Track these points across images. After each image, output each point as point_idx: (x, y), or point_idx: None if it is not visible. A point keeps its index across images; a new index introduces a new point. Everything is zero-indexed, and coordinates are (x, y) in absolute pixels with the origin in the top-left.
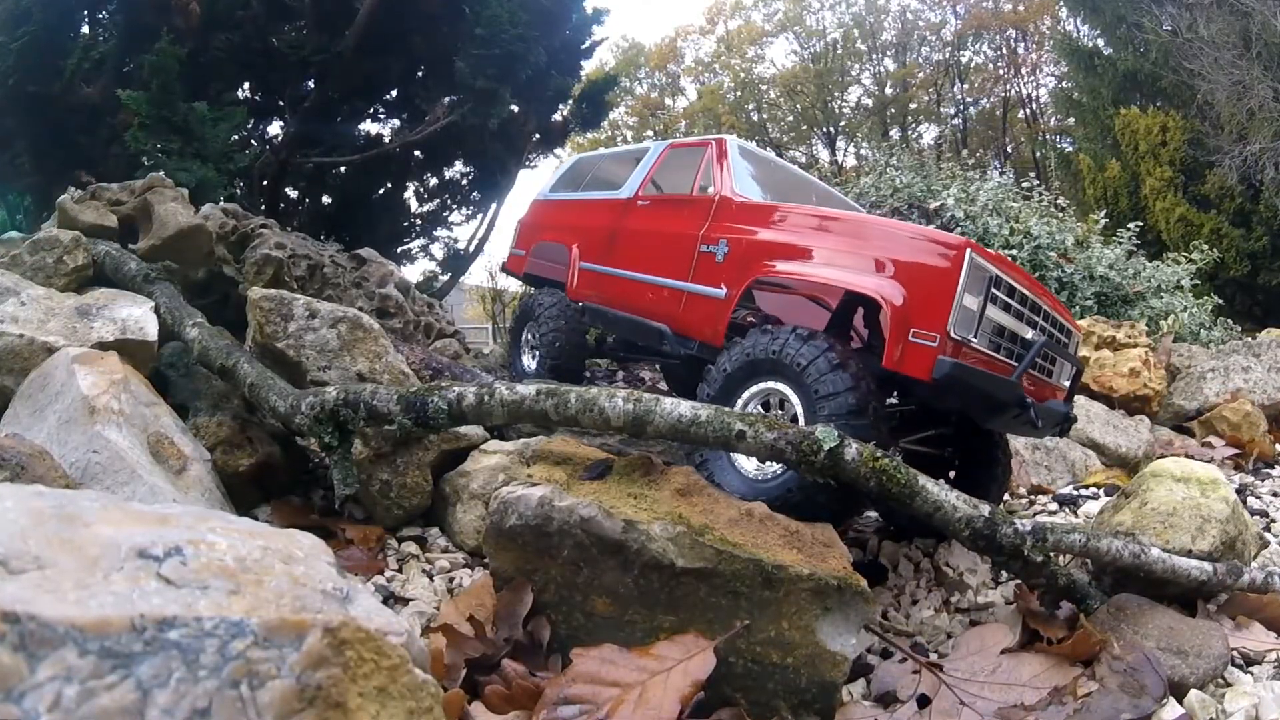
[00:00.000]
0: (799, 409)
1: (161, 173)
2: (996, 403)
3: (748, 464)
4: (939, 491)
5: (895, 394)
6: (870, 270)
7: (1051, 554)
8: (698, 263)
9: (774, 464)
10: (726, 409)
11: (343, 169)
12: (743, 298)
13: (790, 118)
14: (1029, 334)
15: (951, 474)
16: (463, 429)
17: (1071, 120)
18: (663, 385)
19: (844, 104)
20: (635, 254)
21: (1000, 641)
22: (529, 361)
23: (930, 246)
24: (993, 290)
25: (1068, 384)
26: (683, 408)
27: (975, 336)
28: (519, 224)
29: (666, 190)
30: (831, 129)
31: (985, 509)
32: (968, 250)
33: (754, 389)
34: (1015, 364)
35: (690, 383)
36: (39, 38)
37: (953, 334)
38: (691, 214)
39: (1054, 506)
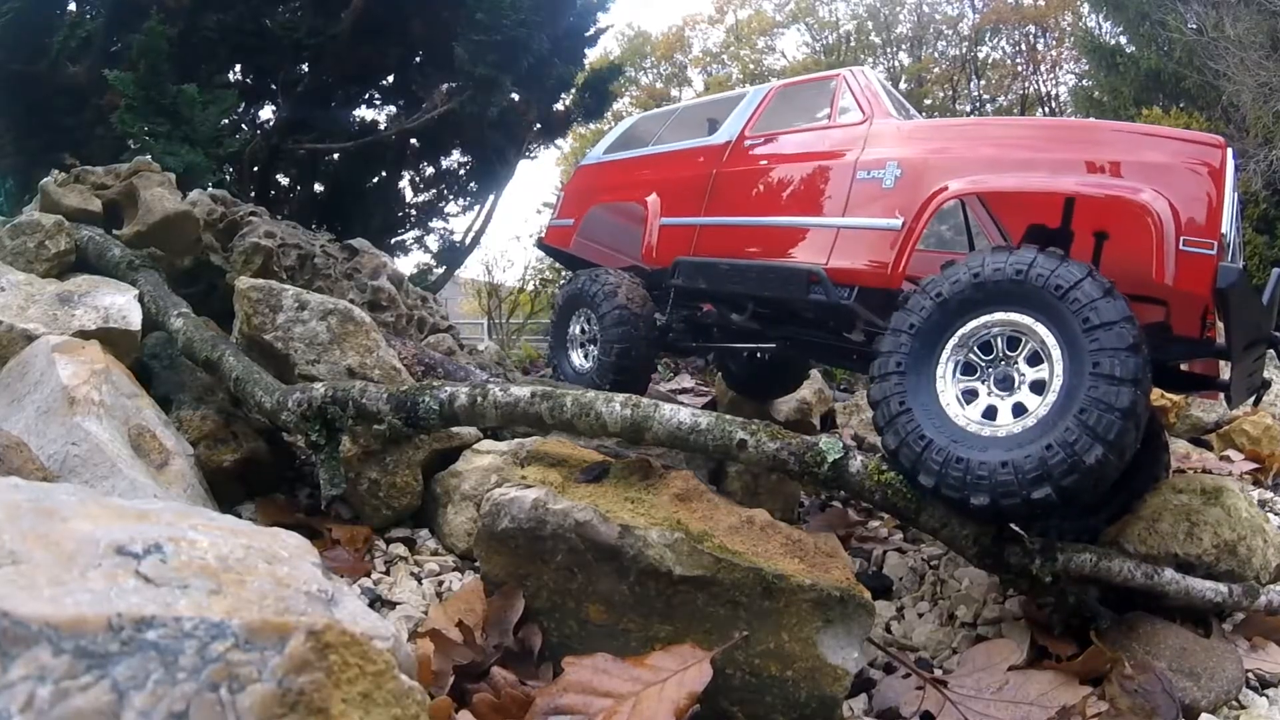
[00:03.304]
0: (1052, 347)
1: (148, 156)
2: (1261, 331)
3: (969, 410)
4: (945, 507)
5: None
6: (1117, 175)
7: (1061, 574)
8: (854, 193)
9: (1024, 409)
10: (727, 416)
11: (336, 156)
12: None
13: None
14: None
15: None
16: (455, 428)
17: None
18: (661, 388)
19: None
20: (752, 197)
21: (1007, 658)
22: (579, 360)
23: (1189, 147)
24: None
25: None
26: (682, 414)
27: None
28: (564, 192)
29: (763, 130)
30: None
31: (993, 526)
32: (1228, 148)
33: (977, 323)
34: None
35: (749, 382)
36: (24, 14)
37: (1229, 239)
38: (837, 143)
39: None
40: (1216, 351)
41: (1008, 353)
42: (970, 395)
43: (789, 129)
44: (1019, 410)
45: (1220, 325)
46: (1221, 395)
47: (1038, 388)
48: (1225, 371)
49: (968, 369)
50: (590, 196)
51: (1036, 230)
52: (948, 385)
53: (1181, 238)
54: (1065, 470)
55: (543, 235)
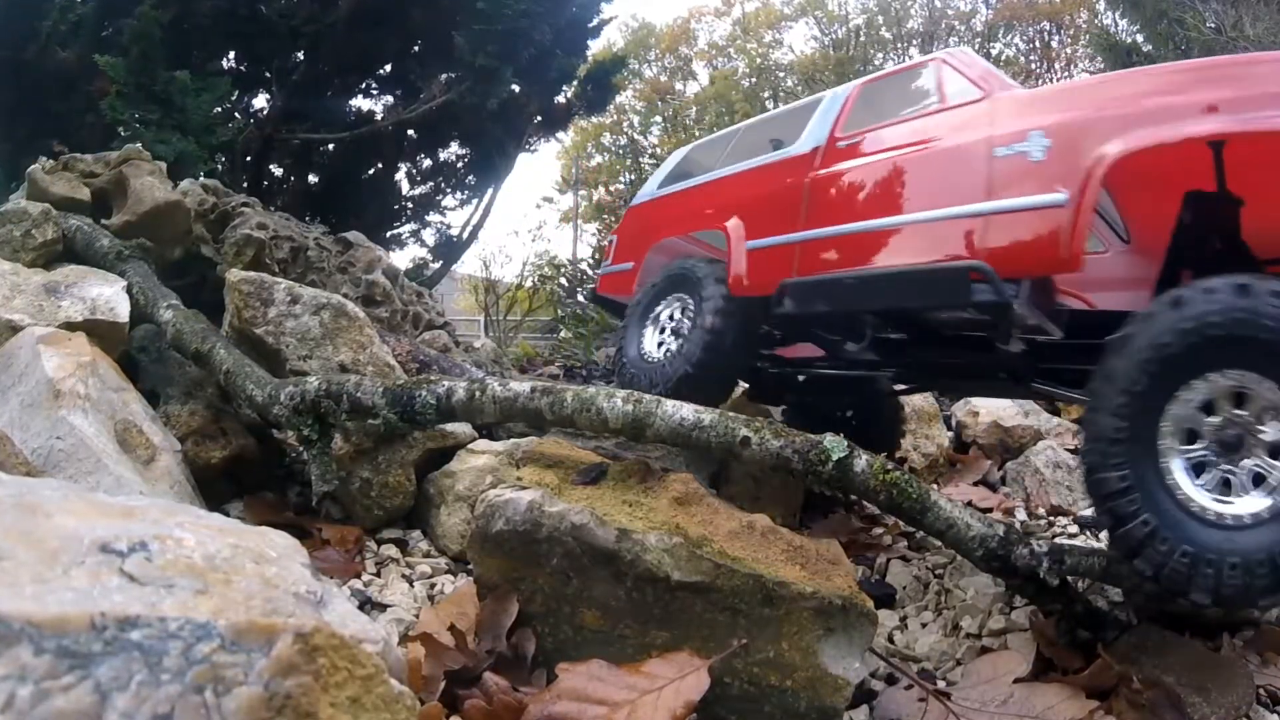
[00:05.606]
0: None
1: (139, 144)
2: None
3: (1195, 487)
4: (951, 508)
5: None
6: None
7: (1069, 578)
8: (996, 173)
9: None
10: (730, 413)
11: (331, 147)
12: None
13: None
14: None
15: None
16: (450, 427)
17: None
18: None
19: None
20: (862, 199)
21: (1013, 670)
22: (652, 344)
23: None
24: None
25: None
26: (684, 411)
27: None
28: (616, 236)
29: (858, 128)
30: None
31: (1000, 528)
32: None
33: (1201, 379)
34: None
35: (819, 420)
36: None
37: None
38: (958, 123)
39: (1074, 529)
40: None
41: (1237, 413)
42: (1198, 468)
43: (891, 121)
44: (1252, 484)
45: None
46: None
47: (1276, 455)
48: None
49: (1192, 435)
50: (652, 234)
51: (1194, 198)
52: (1172, 457)
53: None
54: None
55: (597, 287)
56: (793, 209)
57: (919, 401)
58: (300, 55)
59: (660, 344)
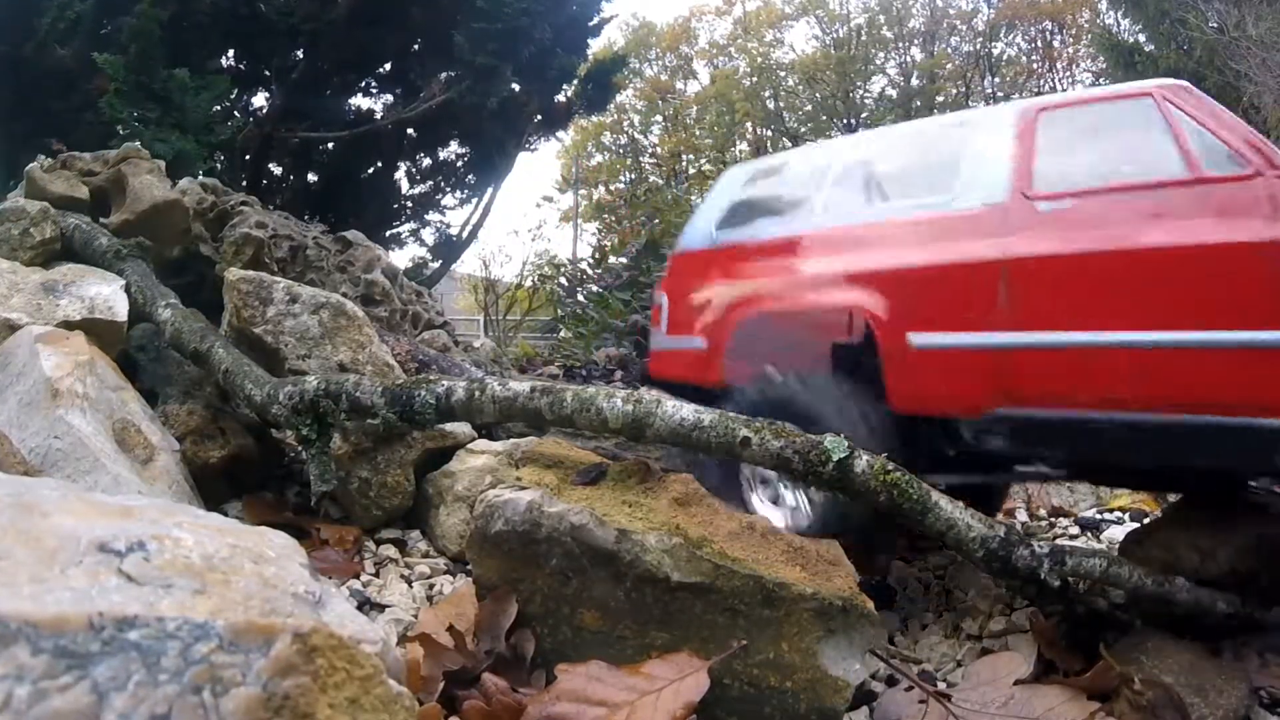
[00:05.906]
0: None
1: (138, 143)
2: None
3: None
4: (952, 509)
5: None
6: None
7: (1070, 579)
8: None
9: None
10: (731, 414)
11: (330, 146)
12: None
13: (809, 107)
14: None
15: None
16: (449, 427)
17: None
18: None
19: (866, 94)
20: (1095, 301)
21: (1014, 671)
22: (766, 505)
23: None
24: None
25: None
26: (684, 411)
27: None
28: (665, 293)
29: (1062, 186)
30: (853, 120)
31: (1001, 529)
32: None
33: None
34: None
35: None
36: None
37: None
38: (1222, 208)
39: (1075, 530)
40: None
41: None
42: None
43: (1109, 185)
44: None
45: None
46: None
47: None
48: None
49: None
50: (734, 304)
51: None
52: None
53: None
54: None
55: (650, 363)
56: (980, 295)
57: None
58: (299, 53)
59: (779, 500)
